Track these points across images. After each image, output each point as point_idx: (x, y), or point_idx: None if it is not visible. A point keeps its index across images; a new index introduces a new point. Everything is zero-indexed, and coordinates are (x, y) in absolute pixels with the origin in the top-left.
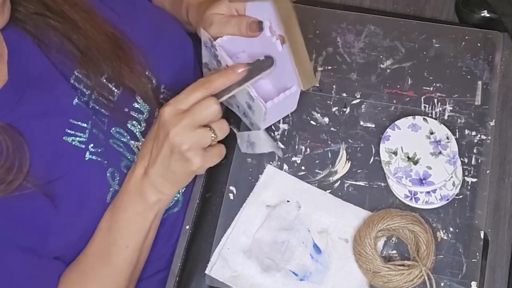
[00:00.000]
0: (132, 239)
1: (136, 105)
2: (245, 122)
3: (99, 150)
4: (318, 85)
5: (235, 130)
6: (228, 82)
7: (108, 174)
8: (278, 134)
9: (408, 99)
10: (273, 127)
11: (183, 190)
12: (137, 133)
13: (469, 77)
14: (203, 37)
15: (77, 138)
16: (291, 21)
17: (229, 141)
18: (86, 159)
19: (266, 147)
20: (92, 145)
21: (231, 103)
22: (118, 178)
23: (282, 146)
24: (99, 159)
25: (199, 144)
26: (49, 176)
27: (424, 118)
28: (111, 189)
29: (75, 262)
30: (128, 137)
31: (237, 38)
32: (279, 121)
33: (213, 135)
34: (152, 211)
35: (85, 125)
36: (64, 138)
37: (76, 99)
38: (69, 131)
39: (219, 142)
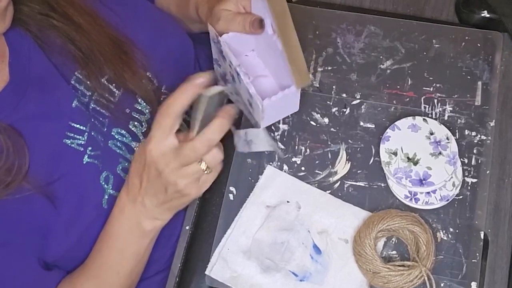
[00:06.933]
0: (124, 265)
1: (138, 106)
2: (251, 121)
3: (97, 153)
4: (318, 85)
5: (231, 128)
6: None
7: (102, 178)
8: (278, 135)
9: (408, 99)
10: (273, 127)
11: None
12: (139, 134)
13: (469, 77)
14: (211, 33)
15: (76, 141)
16: (285, 19)
17: (229, 142)
18: (84, 162)
19: (264, 146)
20: (90, 148)
21: (239, 101)
22: (112, 182)
23: (282, 147)
24: (95, 162)
25: (193, 179)
26: (49, 178)
27: (424, 119)
28: (105, 194)
29: (68, 280)
30: (130, 138)
31: (245, 37)
32: (279, 122)
33: (204, 167)
34: (148, 237)
35: (84, 128)
36: (64, 140)
37: (75, 101)
38: (69, 133)
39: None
